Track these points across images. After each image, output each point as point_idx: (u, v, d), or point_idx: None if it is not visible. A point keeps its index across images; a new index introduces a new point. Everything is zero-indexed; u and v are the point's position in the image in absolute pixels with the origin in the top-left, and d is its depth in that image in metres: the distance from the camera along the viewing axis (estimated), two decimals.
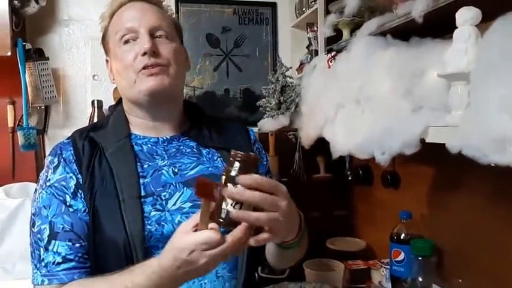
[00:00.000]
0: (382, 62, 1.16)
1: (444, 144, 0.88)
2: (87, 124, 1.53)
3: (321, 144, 1.46)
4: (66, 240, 0.94)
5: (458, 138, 0.84)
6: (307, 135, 1.60)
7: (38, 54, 1.99)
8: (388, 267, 1.46)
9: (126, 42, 1.04)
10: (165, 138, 1.10)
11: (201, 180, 0.77)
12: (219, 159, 1.10)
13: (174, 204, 1.00)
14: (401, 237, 1.39)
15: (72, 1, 2.14)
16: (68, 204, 0.97)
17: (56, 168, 1.01)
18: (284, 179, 1.88)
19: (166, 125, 1.10)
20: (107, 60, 1.14)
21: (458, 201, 1.31)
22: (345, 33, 1.55)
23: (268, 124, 1.94)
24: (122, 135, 1.06)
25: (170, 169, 1.04)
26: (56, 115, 2.14)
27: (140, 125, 1.10)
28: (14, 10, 1.87)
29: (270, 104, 1.94)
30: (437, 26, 1.07)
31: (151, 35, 1.03)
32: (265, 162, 1.23)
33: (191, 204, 1.01)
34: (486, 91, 0.78)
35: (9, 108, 2.05)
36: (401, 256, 1.38)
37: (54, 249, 0.94)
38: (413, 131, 1.01)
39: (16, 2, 1.87)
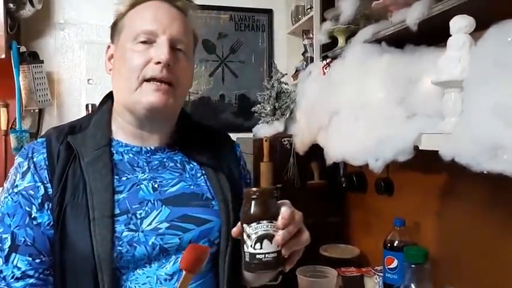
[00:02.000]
0: (377, 69, 1.17)
1: (437, 151, 0.88)
2: None
3: (315, 151, 1.46)
4: (27, 255, 0.88)
5: (451, 146, 0.84)
6: (301, 142, 1.60)
7: (32, 57, 1.99)
8: (382, 274, 1.46)
9: (142, 42, 0.94)
10: (148, 148, 1.00)
11: (192, 254, 0.76)
12: (202, 177, 1.03)
13: (150, 224, 0.91)
14: (395, 245, 1.39)
15: (67, 5, 2.15)
16: (32, 216, 0.89)
17: (24, 174, 0.92)
18: (278, 185, 1.88)
19: (153, 135, 1.01)
20: (108, 46, 1.03)
21: (452, 208, 1.31)
22: (340, 41, 1.55)
23: (263, 130, 1.94)
24: (102, 142, 0.96)
25: (150, 184, 0.96)
26: (49, 118, 2.13)
27: (125, 130, 1.00)
28: (9, 13, 1.87)
29: (265, 110, 1.94)
30: (432, 34, 1.08)
31: (172, 46, 0.94)
32: (248, 181, 1.17)
33: (168, 224, 0.93)
34: (479, 98, 0.78)
35: (2, 111, 2.04)
36: (395, 263, 1.38)
37: (14, 263, 0.87)
38: (407, 138, 1.01)
39: (11, 5, 1.87)
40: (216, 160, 1.05)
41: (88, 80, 2.16)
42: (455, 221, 1.29)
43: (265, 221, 0.73)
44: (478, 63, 0.81)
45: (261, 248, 0.72)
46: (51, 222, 0.89)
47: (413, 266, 1.17)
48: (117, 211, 0.89)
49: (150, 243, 0.90)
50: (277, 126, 1.91)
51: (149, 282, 0.91)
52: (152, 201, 0.94)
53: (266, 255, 0.73)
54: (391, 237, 1.41)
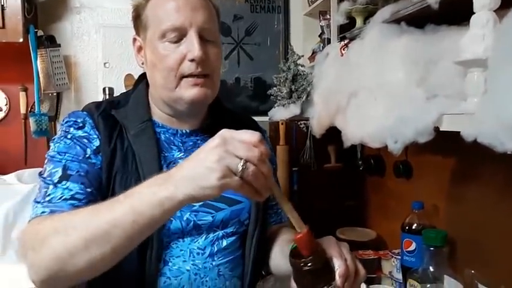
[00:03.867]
0: (397, 49, 1.14)
1: (458, 133, 0.86)
2: None
3: (332, 133, 1.45)
4: (79, 183, 0.88)
5: (473, 126, 0.82)
6: (318, 124, 1.58)
7: (49, 41, 2.00)
8: (399, 257, 1.45)
9: (171, 41, 0.94)
10: (184, 131, 1.05)
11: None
12: None
13: None
14: (413, 228, 1.38)
15: None
16: (87, 155, 0.92)
17: (80, 127, 0.95)
18: (295, 168, 1.87)
19: (189, 120, 1.05)
20: (134, 39, 1.05)
21: (472, 191, 1.29)
22: (358, 21, 1.53)
23: (279, 113, 1.93)
24: (145, 117, 1.00)
25: None
26: (67, 102, 2.15)
27: (161, 115, 1.04)
28: None
29: (281, 92, 1.92)
30: (453, 13, 1.04)
31: (201, 37, 0.95)
32: (274, 166, 1.19)
33: (202, 202, 0.97)
34: (504, 77, 0.76)
35: (22, 95, 2.07)
36: (413, 246, 1.37)
37: (65, 186, 0.87)
38: (427, 118, 0.99)
39: None
40: None
41: (104, 63, 2.16)
42: (476, 204, 1.27)
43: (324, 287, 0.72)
44: (503, 41, 0.79)
45: None
46: (104, 167, 0.92)
47: (431, 248, 1.17)
48: None
49: (184, 218, 0.95)
50: (294, 109, 1.90)
51: (183, 255, 0.96)
52: None
53: None
54: (409, 220, 1.40)
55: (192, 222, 0.96)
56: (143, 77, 1.07)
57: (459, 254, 1.31)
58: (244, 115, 1.23)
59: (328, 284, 0.72)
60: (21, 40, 1.83)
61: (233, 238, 1.03)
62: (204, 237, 0.98)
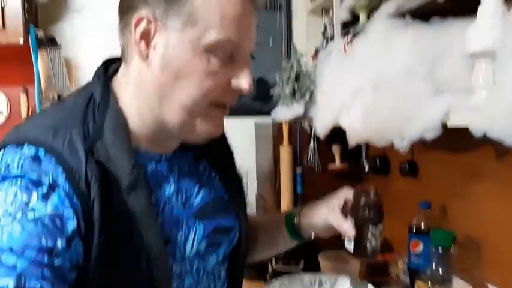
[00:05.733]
0: (403, 43, 1.11)
1: (465, 130, 0.83)
2: None
3: (336, 133, 1.42)
4: None
5: (482, 120, 0.79)
6: (322, 124, 1.55)
7: (50, 42, 1.99)
8: (406, 259, 1.41)
9: (218, 57, 0.70)
10: (168, 155, 0.81)
11: None
12: (216, 176, 0.90)
13: (192, 247, 0.79)
14: (421, 228, 1.35)
15: None
16: (53, 253, 0.61)
17: (47, 195, 0.63)
18: (298, 169, 1.84)
19: (170, 140, 0.82)
20: (141, 18, 0.70)
21: (481, 189, 1.25)
22: (362, 17, 1.49)
23: (282, 113, 1.89)
24: (132, 157, 0.71)
25: (179, 198, 0.80)
26: None
27: (138, 137, 0.76)
28: None
29: (284, 92, 1.89)
30: (459, 5, 1.01)
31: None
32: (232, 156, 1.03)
33: (206, 243, 0.81)
34: None
35: (22, 97, 2.05)
36: (420, 247, 1.33)
37: None
38: (434, 114, 0.96)
39: None
40: (218, 151, 0.92)
41: None
42: (485, 203, 1.24)
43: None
44: None
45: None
46: (79, 264, 0.65)
47: (440, 250, 1.14)
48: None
49: (194, 269, 0.81)
50: (297, 109, 1.86)
51: None
52: (186, 219, 0.80)
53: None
54: (416, 221, 1.37)
55: (201, 270, 0.83)
56: (107, 69, 0.79)
57: (468, 254, 1.27)
58: None
59: (379, 222, 0.99)
60: (21, 41, 1.82)
61: (225, 263, 0.92)
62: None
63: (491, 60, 0.83)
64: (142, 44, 0.71)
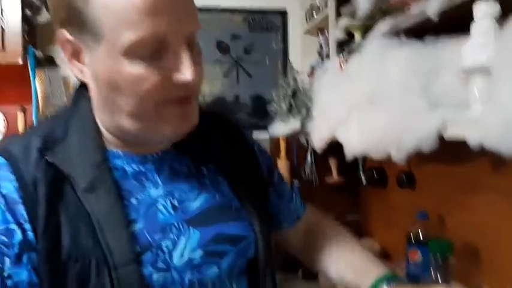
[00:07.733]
0: (398, 59, 1.16)
1: (462, 142, 0.86)
2: None
3: (333, 148, 1.45)
4: None
5: (479, 132, 0.83)
6: (319, 138, 1.59)
7: (48, 62, 2.01)
8: (405, 269, 1.44)
9: (144, 56, 0.64)
10: (155, 155, 0.76)
11: None
12: (224, 181, 0.82)
13: (181, 256, 0.72)
14: (419, 238, 1.38)
15: None
16: (4, 274, 0.61)
17: None
18: (296, 183, 1.87)
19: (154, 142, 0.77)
20: (64, 40, 0.68)
21: (477, 200, 1.29)
22: (357, 36, 1.54)
23: (279, 128, 1.93)
24: (97, 157, 0.69)
25: (168, 202, 0.74)
26: None
27: (118, 142, 0.74)
28: (25, 19, 1.89)
29: (281, 108, 1.93)
30: (453, 24, 1.06)
31: (190, 48, 0.67)
32: (277, 172, 1.00)
33: (202, 252, 0.74)
34: (510, 83, 0.77)
35: (20, 115, 2.06)
36: (419, 257, 1.36)
37: None
38: (430, 126, 1.00)
39: (28, 11, 1.89)
40: (231, 155, 0.85)
41: None
42: (482, 213, 1.27)
43: None
44: (507, 47, 0.80)
45: None
46: (34, 281, 0.63)
47: (438, 259, 1.17)
48: (137, 249, 0.68)
49: (186, 281, 0.72)
50: (294, 124, 1.90)
51: None
52: (176, 225, 0.73)
53: None
54: (414, 231, 1.40)
55: (196, 283, 0.73)
56: (82, 88, 0.74)
57: (466, 263, 1.30)
58: (233, 120, 0.98)
59: None
60: (20, 61, 1.84)
61: (242, 278, 0.82)
62: None
63: (486, 75, 0.88)
64: (75, 63, 0.69)
